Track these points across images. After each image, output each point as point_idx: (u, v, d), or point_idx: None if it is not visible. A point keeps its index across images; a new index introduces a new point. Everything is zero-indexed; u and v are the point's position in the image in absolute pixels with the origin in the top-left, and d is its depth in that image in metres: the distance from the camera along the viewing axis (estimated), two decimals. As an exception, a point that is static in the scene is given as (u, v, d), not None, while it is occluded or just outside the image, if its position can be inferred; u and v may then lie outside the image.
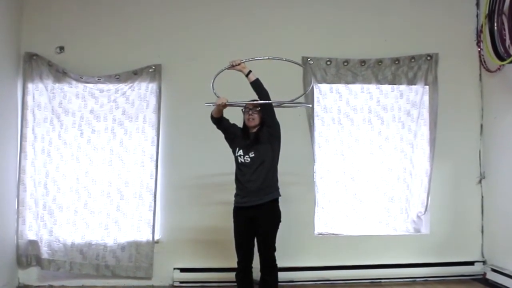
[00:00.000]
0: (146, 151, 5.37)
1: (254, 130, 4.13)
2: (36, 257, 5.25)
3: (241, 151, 4.09)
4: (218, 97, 4.12)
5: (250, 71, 4.04)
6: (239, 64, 4.05)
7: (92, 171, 5.34)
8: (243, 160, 4.07)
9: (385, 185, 5.61)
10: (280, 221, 4.17)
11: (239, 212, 4.14)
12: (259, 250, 4.13)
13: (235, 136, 4.18)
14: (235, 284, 4.26)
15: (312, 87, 5.32)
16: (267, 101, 4.01)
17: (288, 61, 4.40)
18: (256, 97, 4.11)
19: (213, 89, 4.22)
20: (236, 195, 4.17)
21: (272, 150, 4.09)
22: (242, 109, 4.20)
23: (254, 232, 4.11)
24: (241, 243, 4.15)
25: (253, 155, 4.04)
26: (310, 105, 4.35)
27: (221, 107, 4.02)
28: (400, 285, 5.41)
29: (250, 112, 4.10)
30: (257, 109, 4.10)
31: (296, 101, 4.30)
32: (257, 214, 4.04)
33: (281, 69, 4.98)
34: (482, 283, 5.43)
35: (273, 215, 4.11)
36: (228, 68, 4.12)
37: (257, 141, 4.06)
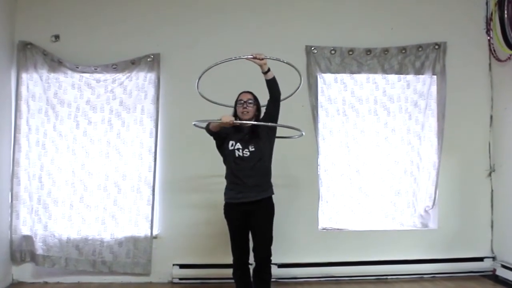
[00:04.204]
0: (144, 143, 5.26)
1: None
2: (31, 252, 5.15)
3: (238, 144, 3.93)
4: (198, 89, 4.15)
5: (269, 68, 3.87)
6: (261, 59, 3.83)
7: (88, 164, 5.23)
8: (241, 154, 3.92)
9: (391, 178, 5.50)
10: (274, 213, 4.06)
11: (232, 208, 3.99)
12: (257, 246, 3.98)
13: (227, 134, 4.00)
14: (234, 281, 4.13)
15: (314, 81, 5.26)
16: (265, 123, 3.87)
17: (288, 64, 4.17)
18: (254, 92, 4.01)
19: (200, 77, 4.12)
20: (229, 190, 4.01)
21: (270, 146, 4.00)
22: (235, 102, 4.04)
23: (249, 228, 4.00)
24: (238, 240, 4.02)
25: (253, 149, 3.91)
26: (303, 133, 4.19)
27: (228, 125, 3.84)
28: (407, 282, 5.28)
29: (245, 105, 3.96)
30: (251, 102, 3.97)
31: (291, 126, 4.11)
32: (254, 209, 3.92)
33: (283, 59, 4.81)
34: (492, 279, 5.33)
35: (270, 209, 4.01)
36: (247, 58, 3.89)
37: (256, 135, 3.93)
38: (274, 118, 3.95)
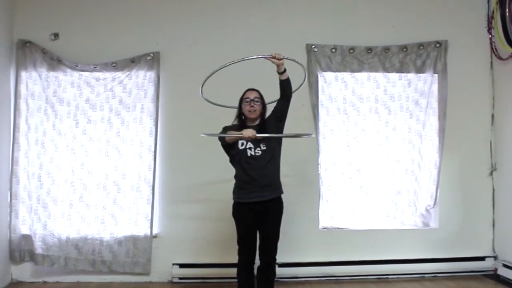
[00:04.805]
0: (144, 142, 5.23)
1: (256, 122, 3.96)
2: (30, 252, 5.12)
3: (249, 143, 3.88)
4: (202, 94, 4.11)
5: (285, 69, 3.87)
6: (280, 59, 3.81)
7: (87, 163, 5.20)
8: (253, 153, 3.88)
9: (392, 177, 5.47)
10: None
11: (243, 207, 3.94)
12: (265, 245, 3.95)
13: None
14: (236, 280, 4.08)
15: (315, 79, 5.24)
16: (276, 135, 3.89)
17: (301, 65, 4.19)
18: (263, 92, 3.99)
19: (207, 78, 4.04)
20: (240, 189, 3.95)
21: (279, 144, 3.98)
22: (240, 99, 4.00)
23: (258, 227, 3.96)
24: (247, 240, 3.97)
25: (264, 148, 3.87)
26: (313, 135, 4.17)
27: (250, 139, 3.80)
28: (408, 281, 5.25)
29: (252, 104, 3.92)
30: (258, 100, 3.94)
31: (302, 134, 4.21)
32: (265, 208, 3.89)
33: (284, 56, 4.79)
34: (493, 279, 5.30)
35: (280, 208, 4.00)
36: (265, 58, 3.85)
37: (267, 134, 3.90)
38: (283, 118, 3.95)
